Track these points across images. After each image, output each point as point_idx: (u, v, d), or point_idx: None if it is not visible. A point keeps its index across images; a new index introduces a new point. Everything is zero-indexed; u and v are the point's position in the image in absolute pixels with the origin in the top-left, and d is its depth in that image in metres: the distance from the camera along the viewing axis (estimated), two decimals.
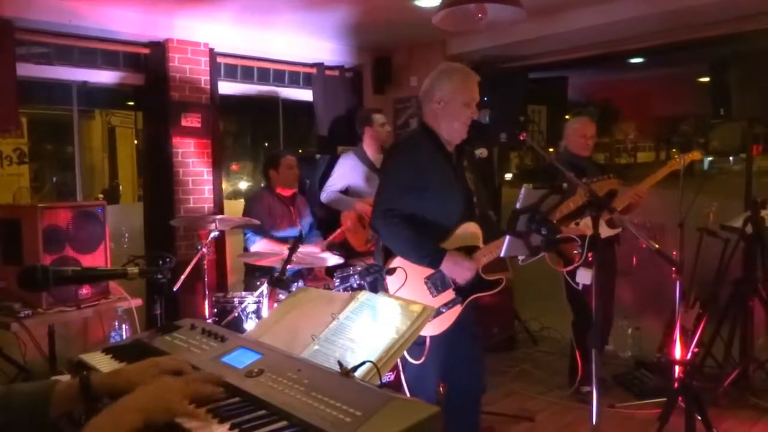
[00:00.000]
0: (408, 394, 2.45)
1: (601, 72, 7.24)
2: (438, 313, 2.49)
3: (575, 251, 2.10)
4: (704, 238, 4.00)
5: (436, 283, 2.55)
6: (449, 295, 2.55)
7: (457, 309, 2.55)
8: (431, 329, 2.47)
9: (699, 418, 2.91)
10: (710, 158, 8.84)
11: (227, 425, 1.15)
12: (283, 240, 4.08)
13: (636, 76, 7.79)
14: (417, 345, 2.42)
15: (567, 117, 4.27)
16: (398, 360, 2.48)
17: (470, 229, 2.59)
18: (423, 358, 2.40)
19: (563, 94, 5.94)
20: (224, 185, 5.35)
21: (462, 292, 2.56)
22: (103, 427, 1.04)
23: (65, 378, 1.37)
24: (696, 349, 3.99)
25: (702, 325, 3.88)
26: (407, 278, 2.48)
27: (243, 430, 1.13)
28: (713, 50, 4.55)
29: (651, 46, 4.84)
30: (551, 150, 6.06)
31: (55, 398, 1.23)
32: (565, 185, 2.10)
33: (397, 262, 2.54)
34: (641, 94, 8.97)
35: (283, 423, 1.16)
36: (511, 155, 8.08)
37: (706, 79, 4.57)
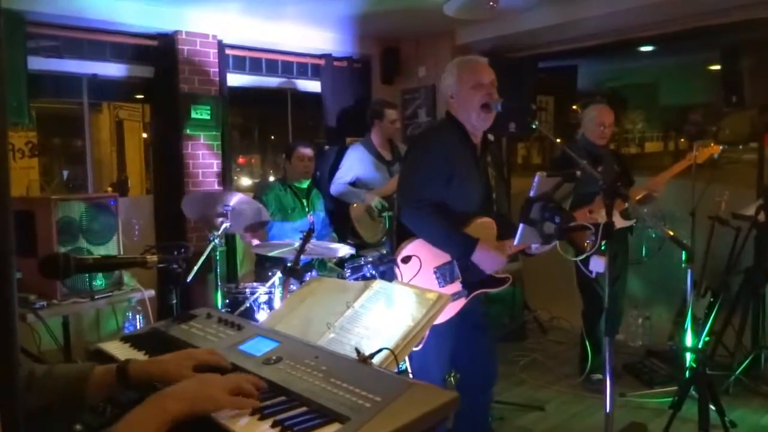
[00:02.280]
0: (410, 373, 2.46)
1: (611, 61, 7.20)
2: None
3: (587, 240, 2.10)
4: (716, 227, 3.99)
5: (445, 274, 2.55)
6: (456, 287, 2.56)
7: (461, 301, 2.56)
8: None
9: (712, 406, 2.90)
10: (721, 147, 8.76)
11: (248, 410, 1.17)
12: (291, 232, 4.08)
13: (646, 65, 7.74)
14: None
15: (574, 107, 4.24)
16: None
17: (486, 224, 2.59)
18: (420, 345, 2.41)
19: (573, 83, 5.91)
20: (239, 177, 5.36)
21: (468, 285, 2.57)
22: (147, 414, 1.06)
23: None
24: (707, 338, 4.00)
25: (713, 314, 3.88)
26: (416, 268, 2.48)
27: (264, 416, 1.14)
28: (724, 38, 4.50)
29: (661, 34, 4.80)
30: (558, 140, 6.04)
31: (92, 383, 1.26)
32: (578, 173, 2.09)
33: (408, 250, 2.54)
34: (651, 83, 8.91)
35: (303, 408, 1.17)
36: (519, 146, 8.05)
37: (717, 67, 4.53)
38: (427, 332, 2.46)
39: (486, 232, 2.57)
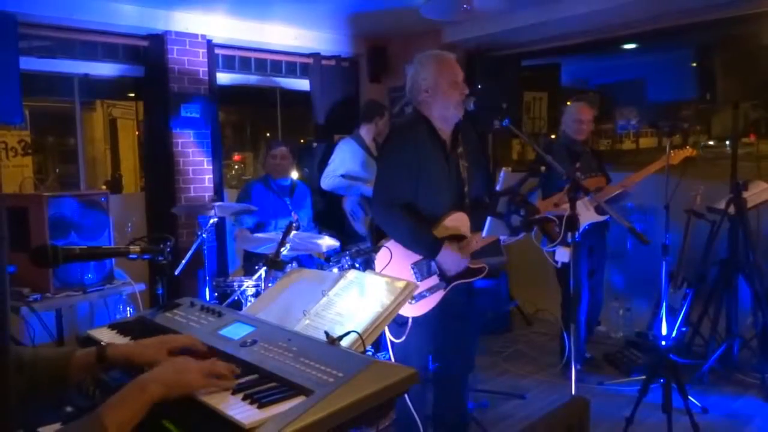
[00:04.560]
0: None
1: (597, 58, 7.31)
2: (421, 296, 2.59)
3: (555, 231, 2.20)
4: (692, 220, 4.11)
5: (422, 270, 2.64)
6: (433, 280, 2.65)
7: (440, 293, 2.65)
8: (413, 311, 2.58)
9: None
10: (710, 142, 8.93)
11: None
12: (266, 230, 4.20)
13: (632, 62, 7.86)
14: (399, 325, 2.53)
15: (569, 103, 4.35)
16: (388, 340, 2.61)
17: (458, 219, 2.67)
18: (403, 338, 2.51)
19: (557, 80, 6.03)
20: (229, 174, 5.46)
21: (446, 278, 2.65)
22: (129, 396, 1.17)
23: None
24: (684, 328, 4.12)
25: (689, 304, 4.00)
26: (395, 263, 2.58)
27: (236, 390, 1.26)
28: (701, 36, 4.63)
29: (642, 32, 4.92)
30: (552, 136, 6.15)
31: (73, 365, 1.37)
32: (543, 168, 2.20)
33: (387, 246, 2.62)
34: (638, 80, 9.05)
35: (273, 384, 1.28)
36: (513, 143, 8.15)
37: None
38: (409, 324, 2.58)
39: (458, 226, 2.66)
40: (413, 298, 2.53)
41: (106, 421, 1.10)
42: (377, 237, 2.69)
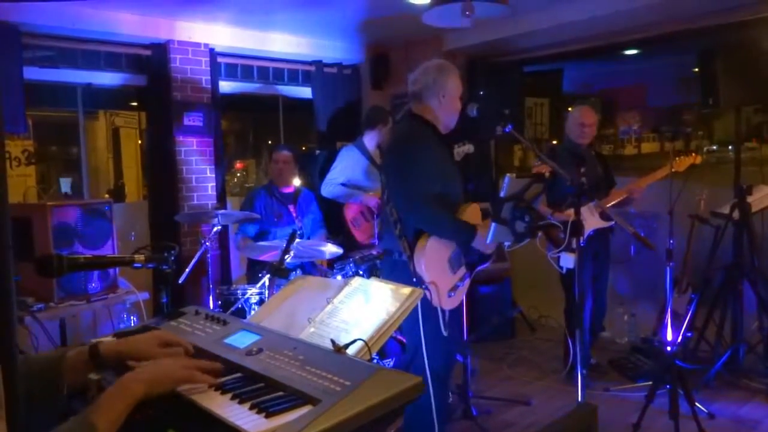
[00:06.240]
0: (426, 364, 2.59)
1: (599, 64, 7.32)
2: (455, 287, 2.70)
3: (560, 236, 2.20)
4: (696, 224, 4.10)
5: (453, 262, 2.72)
6: (462, 270, 2.75)
7: (467, 282, 2.77)
8: (452, 303, 2.70)
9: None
10: (713, 147, 8.92)
11: (229, 395, 1.27)
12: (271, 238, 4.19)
13: (634, 68, 7.87)
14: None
15: (570, 109, 4.36)
16: (422, 337, 2.61)
17: (474, 209, 2.78)
18: (446, 331, 2.61)
19: (559, 86, 6.04)
20: (231, 182, 5.46)
21: (469, 266, 2.77)
22: (114, 395, 1.18)
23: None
24: (690, 334, 4.10)
25: (693, 309, 3.99)
26: (435, 262, 2.65)
27: (243, 400, 1.25)
28: (703, 41, 4.64)
29: (644, 38, 4.93)
30: (554, 142, 6.16)
31: (67, 365, 1.36)
32: (547, 174, 2.20)
33: (428, 246, 2.65)
34: (640, 85, 9.06)
35: (279, 393, 1.27)
36: (515, 148, 8.16)
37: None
38: (446, 317, 2.62)
39: (475, 216, 2.75)
40: (452, 290, 2.66)
41: (95, 422, 1.11)
42: (414, 240, 2.70)
